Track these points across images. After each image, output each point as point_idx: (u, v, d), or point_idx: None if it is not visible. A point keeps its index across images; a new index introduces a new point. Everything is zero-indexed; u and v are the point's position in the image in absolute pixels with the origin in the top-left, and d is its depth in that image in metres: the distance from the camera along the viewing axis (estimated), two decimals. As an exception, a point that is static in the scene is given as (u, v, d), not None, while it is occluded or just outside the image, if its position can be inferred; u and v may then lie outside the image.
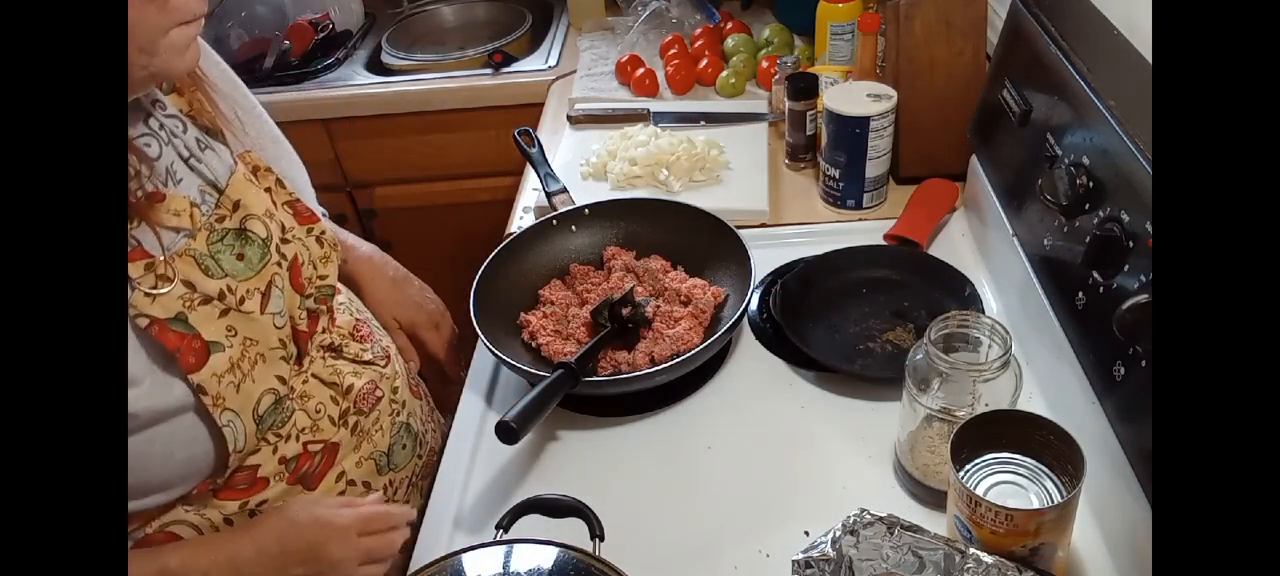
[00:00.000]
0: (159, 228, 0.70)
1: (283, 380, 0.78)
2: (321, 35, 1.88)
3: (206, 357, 0.71)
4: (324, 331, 0.86)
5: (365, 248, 1.07)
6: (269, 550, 0.74)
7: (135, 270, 0.68)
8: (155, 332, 0.68)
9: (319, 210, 0.94)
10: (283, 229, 0.81)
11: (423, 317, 1.07)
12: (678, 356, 0.94)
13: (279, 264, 0.79)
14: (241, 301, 0.74)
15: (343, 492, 0.86)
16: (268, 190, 0.82)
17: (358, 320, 0.94)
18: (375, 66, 1.85)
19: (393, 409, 0.93)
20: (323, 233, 0.87)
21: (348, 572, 0.75)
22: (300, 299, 0.81)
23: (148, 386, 0.69)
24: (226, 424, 0.73)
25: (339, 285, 0.93)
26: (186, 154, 0.76)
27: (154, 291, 0.68)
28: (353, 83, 1.78)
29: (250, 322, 0.75)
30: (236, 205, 0.77)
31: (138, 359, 0.68)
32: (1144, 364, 0.70)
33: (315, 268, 0.85)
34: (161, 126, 0.74)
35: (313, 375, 0.83)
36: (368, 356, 0.91)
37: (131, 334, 0.68)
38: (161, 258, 0.70)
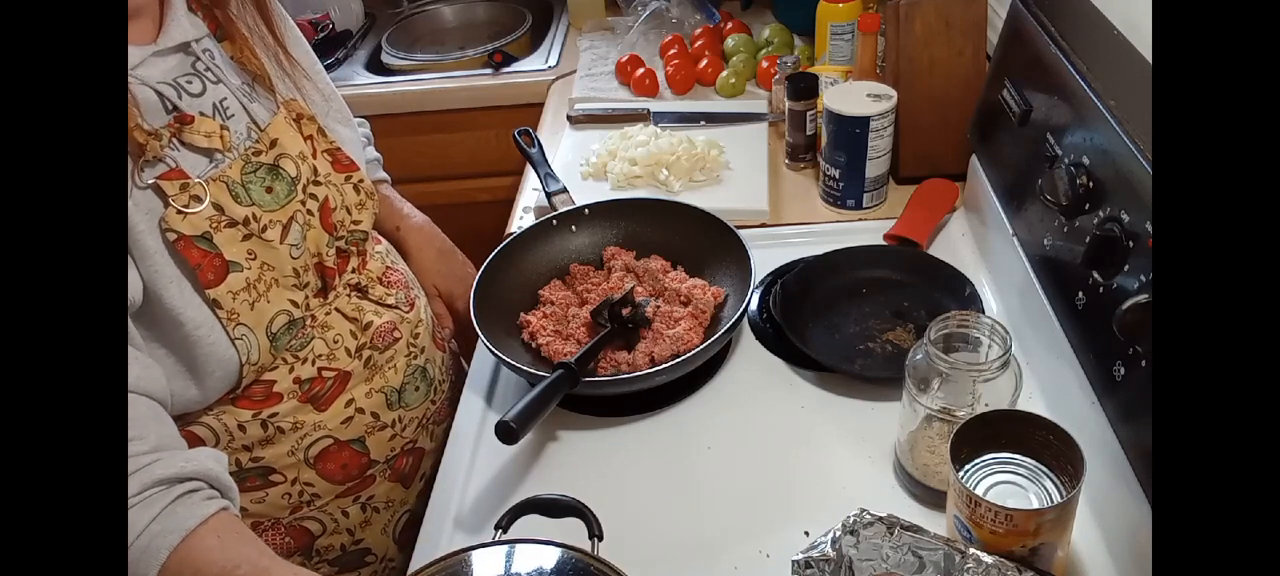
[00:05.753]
0: (191, 147, 0.77)
1: (296, 304, 0.84)
2: (321, 35, 1.88)
3: (225, 275, 0.77)
4: (353, 271, 0.93)
5: (418, 217, 1.15)
6: None
7: (171, 187, 0.74)
8: (180, 247, 0.74)
9: (381, 174, 1.09)
10: (315, 172, 0.87)
11: (460, 289, 1.13)
12: (678, 356, 0.94)
13: (304, 203, 0.85)
14: (264, 230, 0.81)
15: (350, 419, 0.91)
16: (309, 138, 0.89)
17: (389, 268, 1.00)
18: (375, 66, 1.85)
19: (410, 351, 0.98)
20: (360, 182, 0.93)
21: None
22: (330, 238, 0.88)
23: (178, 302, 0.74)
24: (239, 337, 0.79)
25: (377, 236, 1.01)
26: (238, 93, 0.83)
27: (185, 210, 0.75)
28: (353, 83, 1.78)
29: (269, 250, 0.81)
30: (273, 143, 0.84)
31: (168, 272, 0.74)
32: (1144, 364, 0.70)
33: (349, 212, 0.91)
34: (209, 68, 0.81)
35: (336, 308, 0.90)
36: (392, 301, 0.97)
37: (164, 248, 0.74)
38: (196, 179, 0.76)
